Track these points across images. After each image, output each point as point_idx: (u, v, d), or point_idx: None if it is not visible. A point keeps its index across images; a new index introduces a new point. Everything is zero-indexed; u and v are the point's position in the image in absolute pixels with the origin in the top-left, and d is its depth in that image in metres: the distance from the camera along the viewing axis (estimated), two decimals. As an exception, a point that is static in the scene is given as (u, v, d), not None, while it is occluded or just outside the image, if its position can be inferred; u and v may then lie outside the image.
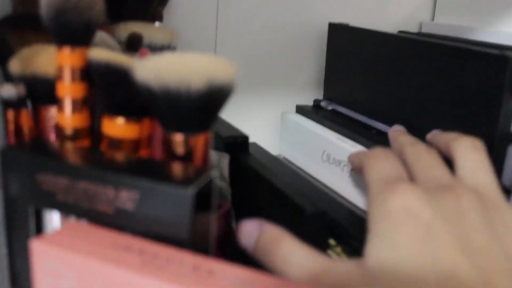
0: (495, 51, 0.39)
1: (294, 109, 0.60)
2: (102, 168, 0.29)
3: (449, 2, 0.66)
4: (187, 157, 0.31)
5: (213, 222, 0.30)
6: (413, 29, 0.67)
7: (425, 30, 0.67)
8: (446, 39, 0.59)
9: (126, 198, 0.28)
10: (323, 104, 0.58)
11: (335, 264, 0.29)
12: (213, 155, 0.46)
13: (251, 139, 0.57)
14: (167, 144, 0.31)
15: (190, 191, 0.26)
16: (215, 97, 0.29)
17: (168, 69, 0.28)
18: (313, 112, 0.57)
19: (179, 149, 0.30)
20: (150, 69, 0.29)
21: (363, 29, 0.53)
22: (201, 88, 0.28)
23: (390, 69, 0.49)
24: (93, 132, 0.35)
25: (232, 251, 0.45)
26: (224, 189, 0.44)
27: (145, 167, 0.30)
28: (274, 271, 0.30)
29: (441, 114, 0.44)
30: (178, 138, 0.30)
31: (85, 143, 0.34)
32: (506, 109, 0.39)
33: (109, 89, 0.32)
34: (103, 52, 0.31)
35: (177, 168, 0.29)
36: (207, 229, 0.30)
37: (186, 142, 0.30)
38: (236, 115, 0.60)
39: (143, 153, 0.34)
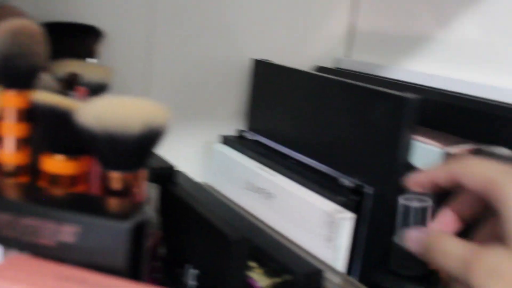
0: (396, 92, 0.45)
1: (218, 138, 0.64)
2: (44, 204, 0.31)
3: (364, 41, 0.72)
4: (124, 192, 0.34)
5: (147, 252, 0.33)
6: (329, 64, 0.73)
7: (341, 65, 0.73)
8: (360, 75, 0.65)
9: (67, 231, 0.30)
10: (246, 134, 0.63)
11: (486, 250, 0.29)
12: (144, 185, 0.49)
13: (178, 168, 0.60)
14: (105, 181, 0.34)
15: (127, 225, 0.29)
16: (150, 138, 0.32)
17: (108, 113, 0.31)
18: (237, 142, 0.61)
19: (117, 185, 0.33)
20: (92, 113, 0.32)
21: (283, 66, 0.58)
22: (138, 131, 0.32)
23: (307, 104, 0.54)
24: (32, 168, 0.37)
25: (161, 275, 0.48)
26: (153, 217, 0.47)
27: (85, 202, 0.33)
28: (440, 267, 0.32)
29: (353, 145, 0.49)
30: (116, 175, 0.33)
31: (25, 179, 0.36)
32: (404, 142, 0.45)
33: (52, 130, 0.34)
34: (48, 95, 0.34)
35: (115, 203, 0.32)
36: (142, 258, 0.33)
37: (123, 179, 0.33)
38: (162, 144, 0.63)
39: (81, 188, 0.36)
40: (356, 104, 0.49)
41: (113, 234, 0.30)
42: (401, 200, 0.42)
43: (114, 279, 0.29)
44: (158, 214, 0.47)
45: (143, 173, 0.35)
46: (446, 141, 0.46)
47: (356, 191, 0.47)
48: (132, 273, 0.31)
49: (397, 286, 0.42)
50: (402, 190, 0.46)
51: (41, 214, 0.30)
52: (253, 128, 0.64)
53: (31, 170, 0.37)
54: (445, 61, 0.61)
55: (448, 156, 0.45)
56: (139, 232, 0.31)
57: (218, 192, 0.61)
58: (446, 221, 0.36)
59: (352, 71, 0.69)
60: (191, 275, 0.44)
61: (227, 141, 0.63)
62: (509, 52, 0.54)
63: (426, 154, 0.46)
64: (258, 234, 0.46)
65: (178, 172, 0.58)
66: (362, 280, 0.49)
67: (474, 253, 0.30)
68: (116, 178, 0.33)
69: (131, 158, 0.33)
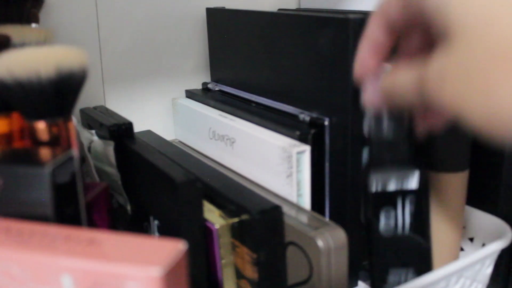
0: (340, 16, 0.43)
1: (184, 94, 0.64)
2: (-34, 160, 0.31)
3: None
4: (53, 142, 0.33)
5: (82, 197, 0.33)
6: (292, 5, 0.71)
7: (303, 5, 0.71)
8: (323, 11, 0.64)
9: (-9, 184, 0.30)
10: (210, 86, 0.62)
11: (430, 60, 0.28)
12: (100, 143, 0.48)
13: (149, 127, 0.59)
14: (32, 133, 0.33)
15: (46, 169, 0.29)
16: (66, 83, 0.32)
17: (18, 62, 0.31)
18: (202, 94, 0.61)
19: (43, 136, 0.33)
20: (2, 65, 0.31)
21: (234, 10, 0.57)
22: (51, 76, 0.31)
23: (261, 45, 0.53)
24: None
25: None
26: (113, 174, 0.47)
27: (9, 155, 0.32)
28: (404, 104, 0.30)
29: (307, 79, 0.48)
30: (41, 125, 0.33)
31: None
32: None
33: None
34: (-39, 53, 0.33)
35: (38, 152, 0.32)
36: (76, 204, 0.32)
37: (49, 128, 0.33)
38: (132, 106, 0.63)
39: (17, 145, 0.36)
40: (303, 35, 0.47)
41: (34, 181, 0.29)
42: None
43: (39, 226, 0.29)
44: (117, 170, 0.47)
45: (71, 121, 0.34)
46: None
47: (314, 124, 0.46)
48: (65, 222, 0.30)
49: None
50: (358, 118, 0.45)
51: (-37, 170, 0.30)
52: (216, 78, 0.63)
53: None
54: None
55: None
56: (65, 178, 0.31)
57: (187, 146, 0.61)
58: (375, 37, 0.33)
59: (314, 9, 0.67)
60: (154, 226, 0.44)
61: (192, 95, 0.62)
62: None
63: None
64: (218, 178, 0.45)
65: (146, 130, 0.58)
66: (332, 215, 0.48)
67: (422, 69, 0.28)
68: (40, 128, 0.33)
69: (50, 105, 0.32)
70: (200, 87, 0.64)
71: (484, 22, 0.25)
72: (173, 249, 0.26)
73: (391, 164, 0.42)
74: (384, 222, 0.42)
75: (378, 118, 0.41)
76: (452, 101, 0.27)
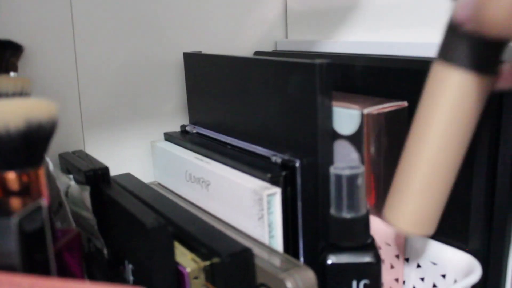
0: (307, 60, 0.45)
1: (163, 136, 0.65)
2: None
3: (299, 19, 0.73)
4: (23, 192, 0.34)
5: (50, 246, 0.33)
6: (269, 48, 0.73)
7: (280, 48, 0.73)
8: (299, 54, 0.66)
9: (-40, 235, 0.31)
10: (188, 128, 0.63)
11: None
12: (75, 188, 0.49)
13: (129, 170, 0.60)
14: (2, 183, 0.34)
15: (13, 220, 0.30)
16: (36, 134, 0.33)
17: (-13, 115, 0.32)
18: (180, 137, 0.62)
19: (14, 186, 0.34)
20: (-28, 117, 0.32)
21: (210, 55, 0.58)
22: (19, 128, 0.32)
23: (235, 88, 0.55)
24: None
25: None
26: (89, 218, 0.48)
27: (-21, 206, 0.33)
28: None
29: (278, 121, 0.49)
30: (10, 175, 0.34)
31: None
32: (323, 109, 0.45)
33: None
34: None
35: (6, 203, 0.32)
36: (45, 253, 0.33)
37: (19, 178, 0.34)
38: (110, 148, 0.64)
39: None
40: (274, 79, 0.49)
41: (2, 231, 0.30)
42: (332, 170, 0.42)
43: (4, 275, 0.29)
44: (93, 215, 0.47)
45: (41, 171, 0.35)
46: (367, 102, 0.46)
47: (286, 166, 0.47)
48: (34, 269, 0.31)
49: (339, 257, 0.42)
50: (328, 159, 0.46)
51: None
52: (194, 121, 0.64)
53: None
54: (372, 26, 0.62)
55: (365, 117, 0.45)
56: (33, 228, 0.31)
57: (164, 188, 0.61)
58: None
59: (289, 51, 0.69)
60: (129, 270, 0.45)
61: (170, 137, 0.63)
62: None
63: (347, 118, 0.46)
64: (191, 221, 0.46)
65: (125, 174, 0.59)
66: (307, 258, 0.49)
67: None
68: (11, 179, 0.34)
69: (19, 156, 0.33)
70: (179, 129, 0.65)
71: None
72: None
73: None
74: None
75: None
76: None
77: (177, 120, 0.67)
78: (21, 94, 0.48)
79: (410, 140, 0.41)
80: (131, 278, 0.45)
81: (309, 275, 0.41)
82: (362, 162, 0.46)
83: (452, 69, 0.37)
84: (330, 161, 0.47)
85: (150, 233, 0.39)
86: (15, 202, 0.32)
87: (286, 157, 0.48)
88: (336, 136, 0.47)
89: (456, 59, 0.36)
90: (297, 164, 0.47)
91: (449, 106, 0.38)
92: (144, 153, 0.65)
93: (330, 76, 0.45)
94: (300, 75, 0.46)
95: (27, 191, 0.34)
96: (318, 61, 0.44)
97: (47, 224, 0.33)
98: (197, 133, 0.62)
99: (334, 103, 0.46)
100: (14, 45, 0.52)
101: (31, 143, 0.33)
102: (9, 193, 0.34)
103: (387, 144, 0.46)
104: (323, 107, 0.45)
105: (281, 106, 0.49)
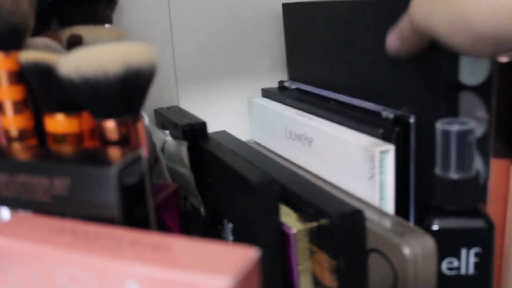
0: None
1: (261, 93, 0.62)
2: (36, 160, 0.30)
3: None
4: (122, 142, 0.32)
5: (150, 199, 0.31)
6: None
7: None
8: None
9: (59, 185, 0.29)
10: (286, 84, 0.59)
11: None
12: (172, 143, 0.47)
13: (224, 127, 0.58)
14: (100, 132, 0.32)
15: (113, 170, 0.28)
16: (134, 79, 0.30)
17: (85, 60, 0.30)
18: (278, 93, 0.58)
19: (112, 135, 0.32)
20: (70, 63, 0.30)
21: (315, 2, 0.54)
22: (118, 72, 0.30)
23: (340, 38, 0.50)
24: (41, 132, 0.36)
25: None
26: (186, 175, 0.46)
27: (77, 155, 0.31)
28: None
29: (392, 73, 0.44)
30: (109, 124, 0.32)
31: (32, 143, 0.36)
32: (448, 58, 0.39)
33: (43, 88, 0.33)
34: (31, 53, 0.33)
35: (106, 152, 0.30)
36: (145, 206, 0.31)
37: (118, 128, 0.32)
38: (207, 106, 0.62)
39: (87, 145, 0.35)
40: (387, 22, 0.43)
41: (101, 181, 0.28)
42: (440, 125, 0.37)
43: (105, 228, 0.27)
44: (190, 171, 0.45)
45: (141, 120, 0.33)
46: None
47: (399, 122, 0.43)
48: (133, 224, 0.29)
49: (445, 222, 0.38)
50: (450, 114, 0.41)
51: (33, 170, 0.30)
52: (293, 77, 0.60)
53: (41, 133, 0.36)
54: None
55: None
56: (133, 179, 0.29)
57: (262, 147, 0.58)
58: None
59: None
60: (228, 229, 0.42)
61: (268, 93, 0.60)
62: None
63: (474, 65, 0.40)
64: (295, 180, 0.43)
65: (221, 131, 0.57)
66: (417, 221, 0.44)
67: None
68: (109, 128, 0.32)
69: (118, 104, 0.31)
70: (276, 85, 0.62)
71: None
72: (245, 256, 0.24)
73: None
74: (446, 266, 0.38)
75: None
76: (424, 18, 0.35)
77: (275, 76, 0.63)
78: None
79: None
80: (230, 237, 0.42)
81: (428, 242, 0.36)
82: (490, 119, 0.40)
83: None
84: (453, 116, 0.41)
85: (256, 190, 0.36)
86: (113, 152, 0.30)
87: (398, 112, 0.43)
88: (460, 87, 0.41)
89: None
90: (412, 120, 0.42)
91: None
92: (239, 110, 0.63)
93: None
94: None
95: (125, 141, 0.32)
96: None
97: (148, 176, 0.31)
98: (297, 88, 0.58)
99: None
100: (109, -5, 0.50)
101: (129, 89, 0.30)
102: (107, 142, 0.32)
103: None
104: (449, 55, 0.39)
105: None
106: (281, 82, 0.61)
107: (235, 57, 0.62)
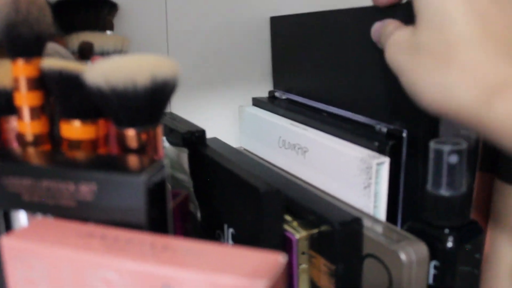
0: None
1: (251, 102, 0.63)
2: (61, 166, 0.31)
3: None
4: (141, 150, 0.33)
5: (170, 205, 0.33)
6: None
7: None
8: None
9: (85, 191, 0.30)
10: (277, 94, 0.61)
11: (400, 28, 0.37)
12: (172, 150, 0.48)
13: (213, 134, 0.59)
14: (121, 140, 0.33)
15: (142, 178, 0.29)
16: (160, 91, 0.32)
17: (115, 70, 0.31)
18: (269, 102, 0.60)
19: (132, 143, 0.33)
20: (99, 72, 0.31)
21: (303, 14, 0.55)
22: (146, 84, 0.31)
23: (327, 49, 0.52)
24: (54, 137, 0.37)
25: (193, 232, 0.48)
26: (185, 181, 0.47)
27: (102, 162, 0.32)
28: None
29: (383, 86, 0.46)
30: (131, 133, 0.33)
31: (46, 148, 0.36)
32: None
33: (64, 95, 0.34)
34: (56, 61, 0.34)
35: (130, 160, 0.32)
36: (165, 212, 0.32)
37: (138, 136, 0.33)
38: (197, 113, 0.63)
39: (101, 151, 0.36)
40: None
41: (129, 189, 0.29)
42: (433, 144, 0.39)
43: (133, 233, 0.29)
44: (190, 178, 0.47)
45: (159, 129, 0.34)
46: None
47: (392, 135, 0.45)
48: (155, 227, 0.30)
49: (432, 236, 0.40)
50: (437, 131, 0.43)
51: (59, 176, 0.30)
52: (283, 87, 0.62)
53: (55, 138, 0.37)
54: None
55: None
56: (156, 186, 0.31)
57: (253, 154, 0.60)
58: None
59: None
60: (228, 235, 0.44)
61: (258, 102, 0.61)
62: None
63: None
64: (292, 188, 0.45)
65: (211, 138, 0.58)
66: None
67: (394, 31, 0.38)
68: (130, 136, 0.33)
69: (143, 114, 0.32)
70: (265, 95, 0.64)
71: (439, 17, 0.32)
72: (275, 261, 0.25)
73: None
74: None
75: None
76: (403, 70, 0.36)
77: (264, 86, 0.65)
78: (121, 52, 0.48)
79: None
80: (230, 242, 0.44)
81: (421, 248, 0.39)
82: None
83: None
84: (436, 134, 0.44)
85: (263, 197, 0.38)
86: (137, 160, 0.31)
87: (391, 126, 0.46)
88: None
89: None
90: (404, 134, 0.44)
91: None
92: (229, 118, 0.64)
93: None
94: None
95: (143, 149, 0.33)
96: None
97: (168, 183, 0.32)
98: (287, 99, 0.60)
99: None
100: (110, 3, 0.51)
101: (155, 100, 0.32)
102: (126, 150, 0.33)
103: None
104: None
105: (386, 67, 0.45)
106: (271, 92, 0.63)
107: (226, 67, 0.63)
